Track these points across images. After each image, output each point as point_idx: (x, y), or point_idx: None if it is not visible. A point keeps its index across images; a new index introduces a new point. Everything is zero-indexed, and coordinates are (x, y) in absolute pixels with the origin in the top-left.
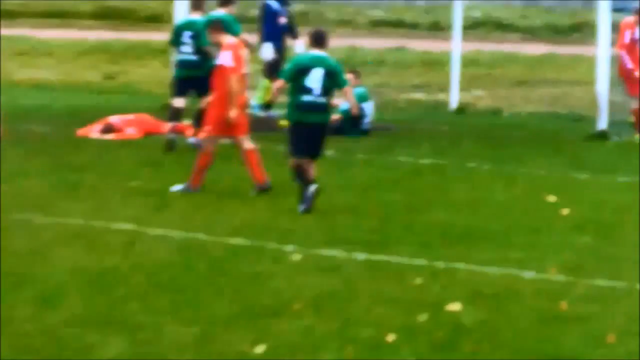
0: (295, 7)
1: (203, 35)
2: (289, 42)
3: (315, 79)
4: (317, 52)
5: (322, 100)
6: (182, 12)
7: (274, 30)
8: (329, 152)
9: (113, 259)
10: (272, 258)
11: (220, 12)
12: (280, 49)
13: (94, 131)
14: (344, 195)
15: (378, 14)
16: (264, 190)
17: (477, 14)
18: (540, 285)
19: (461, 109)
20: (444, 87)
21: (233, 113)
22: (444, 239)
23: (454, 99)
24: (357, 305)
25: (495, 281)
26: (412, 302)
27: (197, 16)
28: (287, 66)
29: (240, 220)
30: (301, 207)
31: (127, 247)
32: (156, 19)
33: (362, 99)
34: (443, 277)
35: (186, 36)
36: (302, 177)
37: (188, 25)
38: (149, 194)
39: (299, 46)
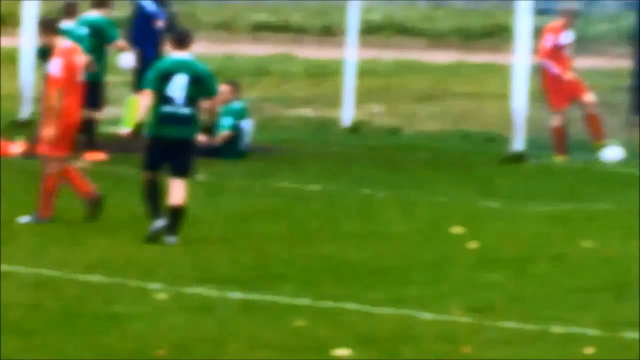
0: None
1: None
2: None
3: (177, 87)
4: (180, 55)
5: (186, 111)
6: (31, 14)
7: (147, 34)
8: (200, 176)
9: None
10: (133, 297)
11: (94, 14)
12: (152, 58)
13: None
14: (217, 226)
15: (261, 16)
16: (97, 202)
17: (376, 16)
18: (441, 327)
19: (355, 128)
20: (336, 102)
21: (48, 131)
22: (331, 276)
23: (347, 115)
24: (231, 351)
25: (390, 323)
26: (293, 347)
27: (70, 24)
28: (149, 74)
29: (97, 255)
30: (147, 236)
31: None
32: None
33: (240, 115)
34: (329, 319)
35: None
36: (152, 199)
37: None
38: None
39: None
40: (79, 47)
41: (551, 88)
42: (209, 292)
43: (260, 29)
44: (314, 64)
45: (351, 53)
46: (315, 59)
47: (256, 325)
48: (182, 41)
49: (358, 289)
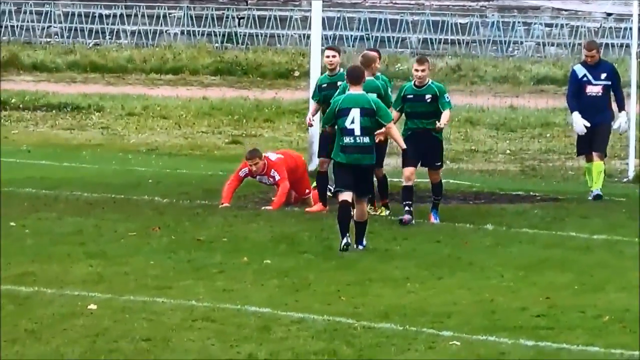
0: (448, 61)
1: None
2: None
3: (353, 120)
4: (355, 91)
5: (365, 140)
6: (317, 67)
7: (578, 100)
8: (487, 225)
9: (246, 346)
10: (427, 345)
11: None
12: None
13: None
14: (507, 274)
15: (542, 69)
16: None
17: None
18: None
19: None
20: (620, 153)
21: None
22: (621, 325)
23: (632, 166)
24: None
25: None
26: None
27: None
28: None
29: (388, 302)
30: (340, 249)
31: (261, 333)
32: (285, 76)
33: None
34: None
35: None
36: (342, 220)
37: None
38: (285, 274)
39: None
40: None
41: None
42: (500, 340)
43: (541, 82)
44: None
45: (632, 105)
46: None
47: None
48: (357, 78)
49: None
